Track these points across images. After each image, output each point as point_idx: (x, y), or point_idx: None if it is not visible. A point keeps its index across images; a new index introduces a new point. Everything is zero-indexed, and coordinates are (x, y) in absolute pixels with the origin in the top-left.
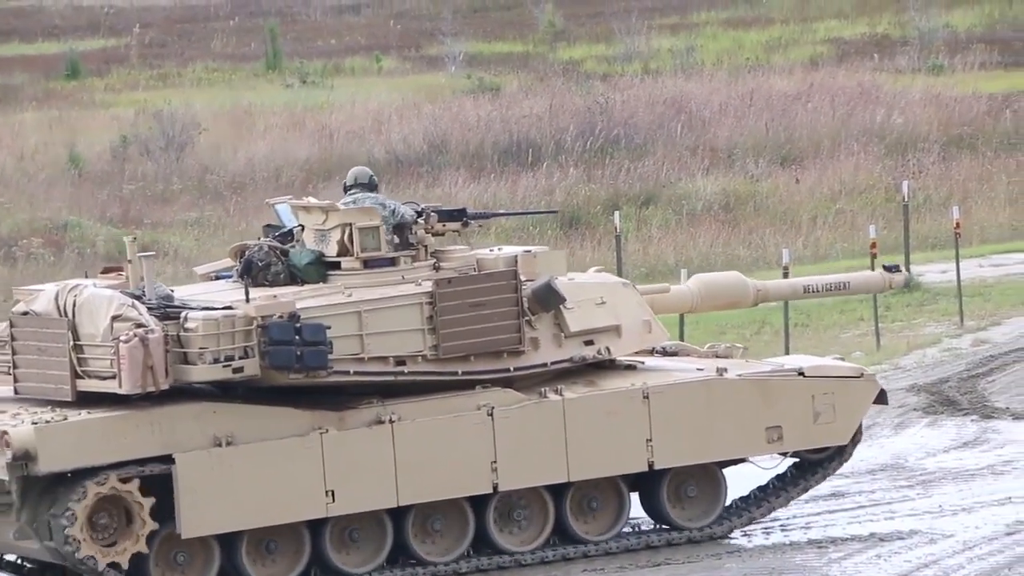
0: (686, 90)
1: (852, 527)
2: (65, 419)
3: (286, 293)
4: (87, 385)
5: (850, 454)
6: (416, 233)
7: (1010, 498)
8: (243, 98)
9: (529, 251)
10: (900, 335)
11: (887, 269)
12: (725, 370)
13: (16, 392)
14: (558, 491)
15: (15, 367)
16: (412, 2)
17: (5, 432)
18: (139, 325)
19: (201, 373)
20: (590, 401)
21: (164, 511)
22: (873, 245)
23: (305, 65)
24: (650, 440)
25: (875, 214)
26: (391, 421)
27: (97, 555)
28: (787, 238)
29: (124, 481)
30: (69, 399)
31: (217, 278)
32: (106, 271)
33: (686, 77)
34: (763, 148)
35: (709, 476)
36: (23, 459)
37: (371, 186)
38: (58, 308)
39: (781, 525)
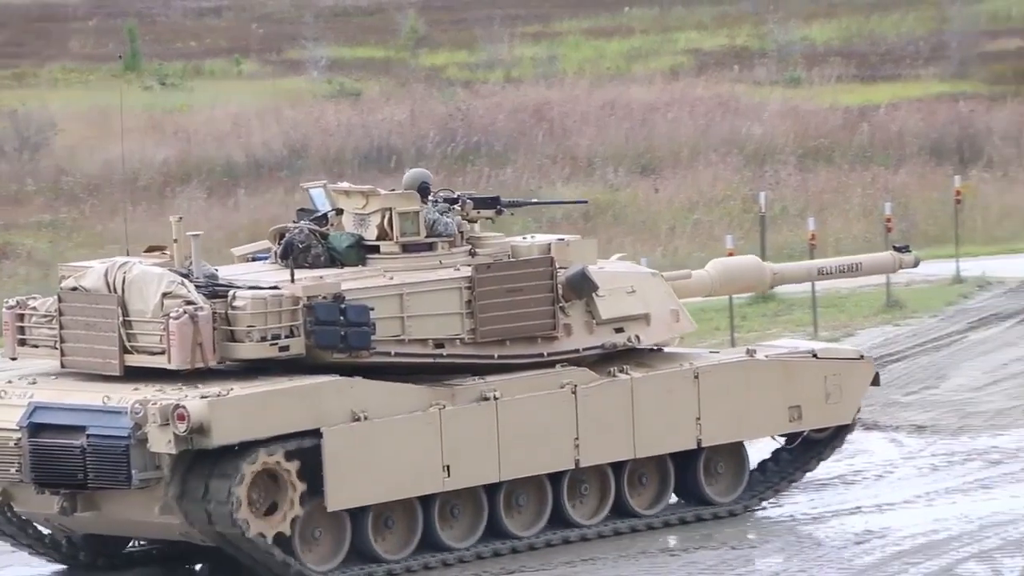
0: (547, 98)
1: (704, 536)
2: (229, 393)
3: (331, 274)
4: (135, 360)
5: (847, 436)
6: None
7: (860, 507)
8: (101, 99)
9: (562, 239)
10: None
11: (897, 249)
12: (755, 351)
13: (63, 366)
14: (616, 467)
15: (62, 341)
16: (273, 5)
17: (180, 406)
18: (188, 302)
19: (248, 351)
20: (654, 380)
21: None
22: (730, 255)
23: (164, 67)
24: (699, 418)
25: (732, 224)
26: (495, 398)
27: (262, 527)
28: (646, 247)
29: (288, 457)
30: (116, 374)
31: (253, 259)
32: (150, 250)
33: (548, 85)
34: (623, 157)
35: (735, 452)
36: (197, 433)
37: (421, 192)
38: (107, 284)
39: (632, 528)
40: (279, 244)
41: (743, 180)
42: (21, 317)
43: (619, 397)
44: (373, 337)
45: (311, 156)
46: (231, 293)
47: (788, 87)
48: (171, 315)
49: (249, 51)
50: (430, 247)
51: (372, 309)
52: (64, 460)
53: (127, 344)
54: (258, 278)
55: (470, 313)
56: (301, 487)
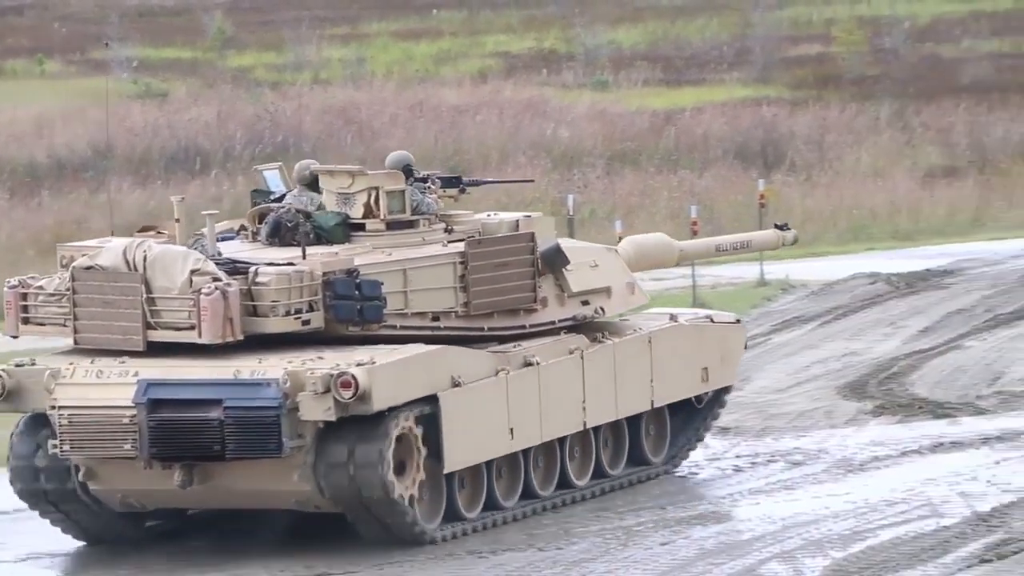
0: (356, 100)
1: (518, 537)
2: (374, 362)
3: (345, 249)
4: (158, 336)
5: (727, 397)
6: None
7: (664, 509)
8: None
9: (528, 216)
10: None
11: (778, 227)
12: (676, 316)
13: (76, 343)
14: (595, 430)
15: (76, 319)
16: (77, 5)
17: (345, 373)
18: (215, 279)
19: (274, 325)
20: (628, 344)
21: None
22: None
23: None
24: (652, 381)
25: None
26: (537, 363)
27: (402, 488)
28: None
29: (416, 422)
30: (140, 349)
31: (221, 239)
32: (143, 230)
33: (356, 87)
34: (432, 159)
35: (660, 414)
36: (359, 400)
37: (405, 173)
38: (127, 262)
39: (452, 535)
40: (258, 224)
41: (551, 182)
42: (24, 296)
43: (607, 362)
44: (385, 311)
45: (117, 157)
46: (252, 270)
47: (595, 90)
48: (203, 291)
49: (52, 51)
50: (411, 224)
51: (382, 284)
52: (198, 433)
53: (151, 320)
54: (255, 256)
55: (463, 287)
56: (424, 450)
